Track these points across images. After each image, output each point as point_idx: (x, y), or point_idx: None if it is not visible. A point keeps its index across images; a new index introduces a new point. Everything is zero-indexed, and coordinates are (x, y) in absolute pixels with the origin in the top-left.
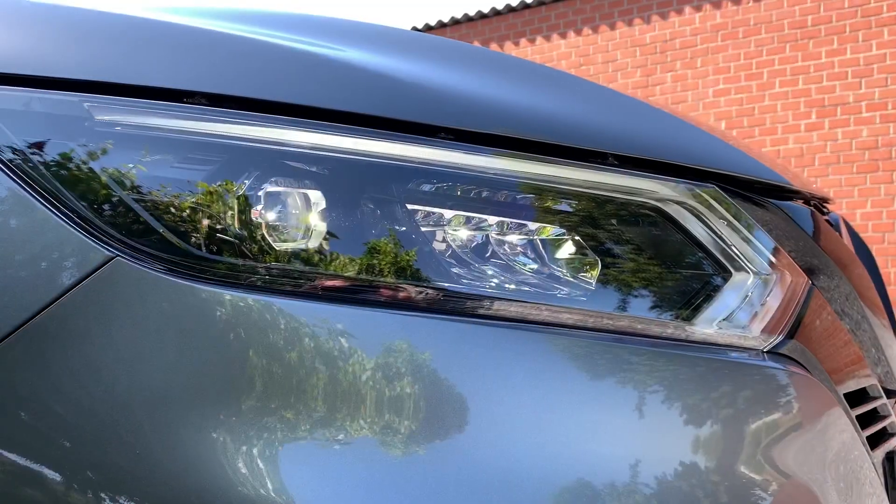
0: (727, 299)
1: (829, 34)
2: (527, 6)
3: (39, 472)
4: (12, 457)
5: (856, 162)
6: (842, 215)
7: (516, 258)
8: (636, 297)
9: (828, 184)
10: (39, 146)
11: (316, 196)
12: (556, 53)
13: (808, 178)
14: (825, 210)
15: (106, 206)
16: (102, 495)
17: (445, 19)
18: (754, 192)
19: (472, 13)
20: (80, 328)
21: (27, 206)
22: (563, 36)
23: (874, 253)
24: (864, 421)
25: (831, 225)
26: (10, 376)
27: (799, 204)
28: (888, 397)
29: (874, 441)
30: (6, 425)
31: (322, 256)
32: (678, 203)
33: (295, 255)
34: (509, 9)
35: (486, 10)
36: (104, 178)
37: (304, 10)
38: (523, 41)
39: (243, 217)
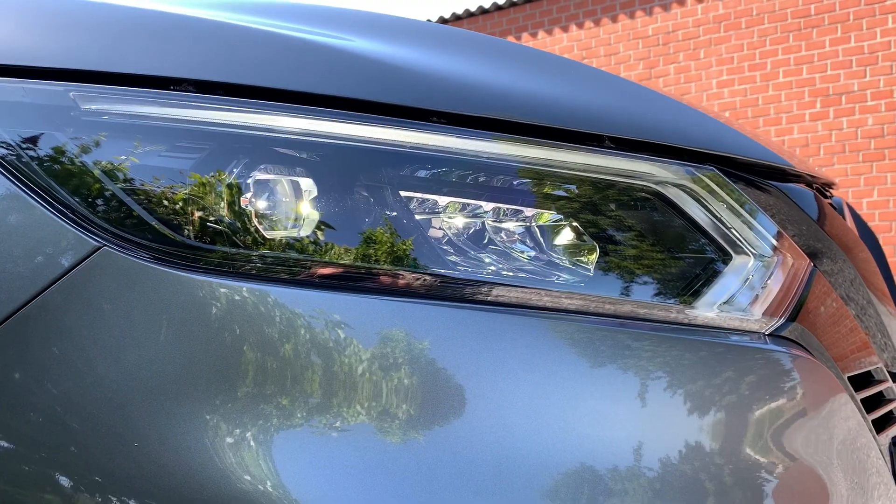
0: (728, 282)
1: (832, 22)
2: (528, 1)
3: (27, 465)
4: None
5: (861, 151)
6: (845, 200)
7: (513, 244)
8: (636, 281)
9: (833, 173)
10: (24, 136)
11: (307, 183)
12: (558, 47)
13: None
14: (828, 194)
15: (92, 196)
16: (92, 488)
17: (447, 15)
18: (755, 174)
19: (473, 8)
20: (67, 319)
21: (11, 196)
22: (565, 29)
23: (881, 242)
24: (869, 404)
25: (835, 209)
26: None
27: (801, 187)
28: (894, 381)
29: (879, 425)
30: None
31: (314, 244)
32: (677, 186)
33: (286, 243)
34: (511, 3)
35: (487, 4)
36: (91, 168)
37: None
38: (525, 35)
39: (233, 205)
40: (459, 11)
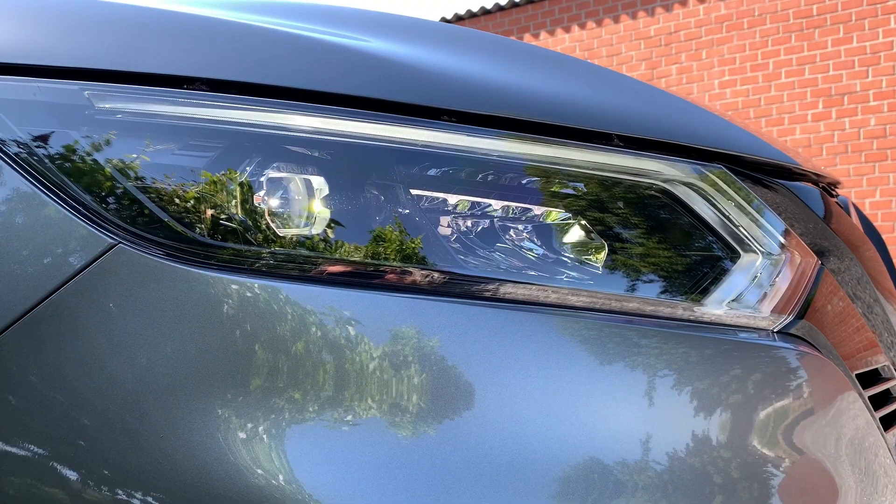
0: (736, 280)
1: (834, 23)
2: (530, 1)
3: (44, 464)
4: (15, 449)
5: (864, 151)
6: (851, 199)
7: (523, 242)
8: (644, 278)
9: (836, 173)
10: (40, 135)
11: (319, 181)
12: (560, 48)
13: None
14: (834, 193)
15: (107, 194)
16: (107, 484)
17: (449, 16)
18: (762, 172)
19: (475, 9)
20: (83, 317)
21: (28, 195)
22: (567, 30)
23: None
24: (876, 402)
25: (841, 207)
26: (11, 365)
27: (808, 185)
28: None
29: (886, 423)
30: (8, 415)
31: (326, 242)
32: (686, 184)
33: (298, 240)
34: (513, 3)
35: (489, 5)
36: (106, 166)
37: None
38: (527, 36)
39: (246, 203)
40: (461, 12)
